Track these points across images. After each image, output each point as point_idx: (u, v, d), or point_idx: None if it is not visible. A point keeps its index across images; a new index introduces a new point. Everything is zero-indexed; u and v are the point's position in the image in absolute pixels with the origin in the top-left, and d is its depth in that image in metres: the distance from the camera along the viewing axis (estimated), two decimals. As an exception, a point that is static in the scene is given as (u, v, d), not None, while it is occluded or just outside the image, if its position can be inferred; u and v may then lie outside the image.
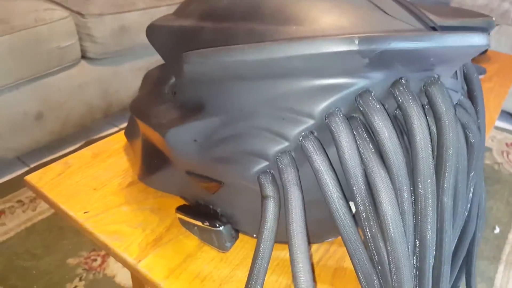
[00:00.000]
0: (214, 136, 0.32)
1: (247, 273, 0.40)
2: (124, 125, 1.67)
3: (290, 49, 0.26)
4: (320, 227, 0.39)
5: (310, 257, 0.42)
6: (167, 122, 0.36)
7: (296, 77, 0.28)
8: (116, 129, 1.64)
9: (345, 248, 0.42)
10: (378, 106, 0.27)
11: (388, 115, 0.28)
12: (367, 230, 0.28)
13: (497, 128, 1.79)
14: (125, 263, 0.41)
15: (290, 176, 0.29)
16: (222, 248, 0.40)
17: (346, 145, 0.27)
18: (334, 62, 0.26)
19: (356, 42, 0.24)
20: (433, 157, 0.29)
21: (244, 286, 0.38)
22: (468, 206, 0.37)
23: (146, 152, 0.44)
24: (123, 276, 1.03)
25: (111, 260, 1.07)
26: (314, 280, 0.39)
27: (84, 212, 0.45)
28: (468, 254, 0.44)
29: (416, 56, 0.27)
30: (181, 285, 0.38)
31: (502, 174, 1.48)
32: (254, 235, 0.42)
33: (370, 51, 0.25)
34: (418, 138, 0.27)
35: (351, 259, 0.29)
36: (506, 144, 1.67)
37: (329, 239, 0.43)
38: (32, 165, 1.39)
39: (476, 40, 0.26)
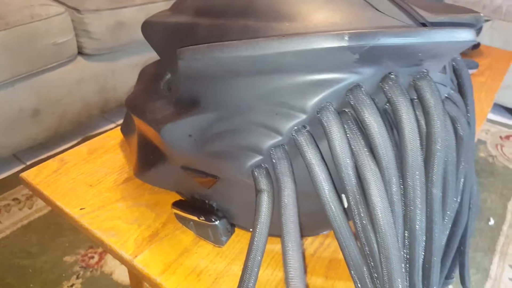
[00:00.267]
0: (209, 131, 0.33)
1: (242, 267, 0.40)
2: (122, 121, 1.67)
3: (282, 45, 0.26)
4: (315, 220, 0.40)
5: (303, 250, 0.42)
6: (163, 117, 0.36)
7: (289, 73, 0.28)
8: (113, 125, 1.64)
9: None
10: (368, 100, 0.28)
11: (378, 109, 0.28)
12: (358, 222, 0.29)
13: (491, 121, 1.80)
14: (121, 259, 0.41)
15: (283, 169, 0.30)
16: (218, 242, 0.41)
17: (337, 139, 0.28)
18: (325, 57, 0.27)
19: (346, 38, 0.25)
20: (422, 150, 0.30)
21: (238, 280, 0.39)
22: (459, 197, 0.38)
23: (141, 148, 0.44)
24: (120, 273, 1.04)
25: (108, 257, 1.08)
26: (305, 271, 0.40)
27: (80, 209, 0.46)
28: (461, 245, 0.44)
29: (405, 52, 0.27)
30: (177, 280, 0.38)
31: (496, 166, 1.49)
32: (250, 229, 0.42)
33: (360, 47, 0.25)
34: (406, 131, 0.28)
35: (341, 250, 0.30)
36: (500, 137, 1.69)
37: (324, 232, 0.44)
38: (28, 163, 1.39)
39: (463, 35, 0.27)
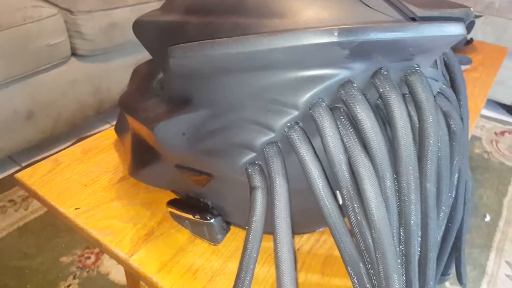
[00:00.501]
0: (202, 129, 0.33)
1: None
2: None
3: (272, 41, 0.26)
4: (310, 217, 0.40)
5: (300, 247, 0.43)
6: (156, 116, 0.36)
7: (280, 69, 0.29)
8: (108, 126, 1.63)
9: (334, 237, 0.43)
10: (359, 96, 0.28)
11: (370, 104, 0.28)
12: (353, 218, 0.29)
13: (486, 117, 1.81)
14: (117, 258, 0.41)
15: (276, 167, 0.30)
16: (214, 240, 0.41)
17: (329, 135, 0.28)
18: (315, 53, 0.27)
19: (336, 33, 0.25)
20: (415, 145, 0.30)
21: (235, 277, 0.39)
22: (454, 192, 0.38)
23: (135, 147, 0.44)
24: (117, 273, 1.04)
25: (105, 257, 1.08)
26: (296, 268, 0.40)
27: (75, 209, 0.46)
28: (456, 241, 0.45)
29: (395, 46, 0.27)
30: (173, 278, 0.38)
31: (492, 162, 1.50)
32: (246, 227, 0.42)
33: (350, 42, 0.25)
34: (399, 126, 0.28)
35: (337, 246, 0.30)
36: (495, 133, 1.69)
37: (320, 229, 0.44)
38: (23, 164, 1.39)
39: (453, 29, 0.27)
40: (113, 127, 0.57)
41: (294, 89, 0.28)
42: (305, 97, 0.28)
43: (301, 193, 0.33)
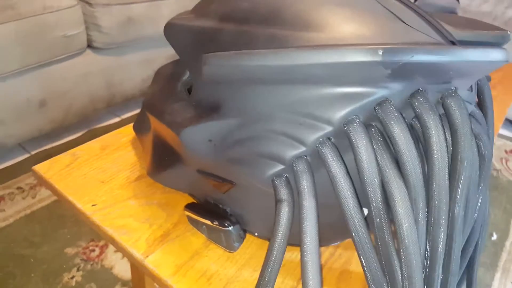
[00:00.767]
0: (229, 137, 0.33)
1: (253, 273, 0.40)
2: (127, 116, 1.67)
3: (313, 56, 0.26)
4: (329, 231, 0.40)
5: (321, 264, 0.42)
6: (182, 120, 0.36)
7: (317, 84, 0.28)
8: (118, 119, 1.64)
9: (350, 252, 0.43)
10: (397, 115, 0.28)
11: (407, 124, 0.28)
12: (380, 238, 0.28)
13: (496, 135, 1.80)
14: (132, 258, 0.41)
15: (306, 183, 0.30)
16: (230, 248, 0.40)
17: (364, 153, 0.28)
18: (356, 71, 0.26)
19: (380, 53, 0.25)
20: (448, 167, 0.29)
21: (249, 285, 0.39)
22: (476, 215, 0.38)
23: (156, 148, 0.44)
24: (120, 268, 1.04)
25: (109, 251, 1.08)
26: (322, 285, 0.40)
27: (92, 205, 0.46)
28: (470, 262, 0.44)
29: (436, 69, 0.27)
30: (188, 282, 0.38)
31: (501, 180, 1.49)
32: (256, 234, 0.42)
33: (393, 63, 0.25)
34: (435, 149, 0.27)
35: (362, 265, 0.29)
36: (505, 151, 1.68)
37: (335, 243, 0.44)
38: (33, 152, 1.39)
39: (496, 55, 0.26)
40: (130, 124, 0.57)
41: (330, 105, 0.28)
42: (341, 114, 0.28)
43: (324, 208, 0.32)
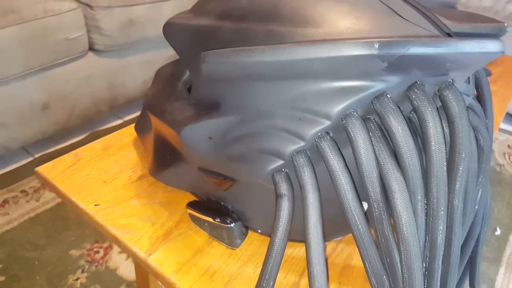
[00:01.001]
0: (229, 134, 0.33)
1: (255, 269, 0.40)
2: (129, 117, 1.68)
3: (312, 51, 0.26)
4: (330, 226, 0.40)
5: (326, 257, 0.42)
6: (183, 119, 0.36)
7: (315, 79, 0.28)
8: (120, 121, 1.64)
9: (352, 246, 0.43)
10: (394, 108, 0.28)
11: (404, 117, 0.28)
12: (380, 231, 0.29)
13: (499, 129, 1.79)
14: (135, 257, 0.41)
15: (307, 176, 0.30)
16: (233, 244, 0.41)
17: (362, 146, 0.28)
18: (353, 65, 0.27)
19: (377, 46, 0.25)
20: (445, 159, 0.29)
21: (252, 282, 0.39)
22: (476, 208, 0.38)
23: (158, 147, 0.44)
24: (125, 269, 1.04)
25: (113, 252, 1.08)
26: (328, 279, 0.40)
27: (95, 205, 0.46)
28: (472, 256, 0.44)
29: (433, 61, 0.27)
30: (191, 280, 0.39)
31: (504, 175, 1.49)
32: (260, 231, 0.42)
33: (390, 56, 0.25)
34: (433, 141, 0.28)
35: (362, 258, 0.30)
36: (508, 146, 1.68)
37: (337, 238, 0.44)
38: (36, 155, 1.40)
39: (492, 47, 0.27)
40: (132, 124, 0.57)
41: (328, 99, 0.28)
42: (339, 108, 0.28)
43: (325, 202, 0.33)
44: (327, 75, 0.28)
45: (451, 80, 0.30)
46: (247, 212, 0.40)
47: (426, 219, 0.29)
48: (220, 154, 0.34)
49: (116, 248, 1.09)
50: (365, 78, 0.28)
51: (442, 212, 0.28)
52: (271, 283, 0.31)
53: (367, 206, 0.30)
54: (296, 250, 0.42)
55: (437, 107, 0.29)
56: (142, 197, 0.48)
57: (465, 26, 0.37)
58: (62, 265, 1.04)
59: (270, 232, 0.42)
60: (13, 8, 1.12)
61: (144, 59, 1.53)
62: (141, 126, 0.51)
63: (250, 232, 0.43)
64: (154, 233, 0.43)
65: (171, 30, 0.39)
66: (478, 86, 0.41)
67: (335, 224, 0.40)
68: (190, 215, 0.43)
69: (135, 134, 0.58)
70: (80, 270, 1.03)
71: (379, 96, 0.28)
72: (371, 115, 0.29)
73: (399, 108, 0.28)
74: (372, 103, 0.28)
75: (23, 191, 1.26)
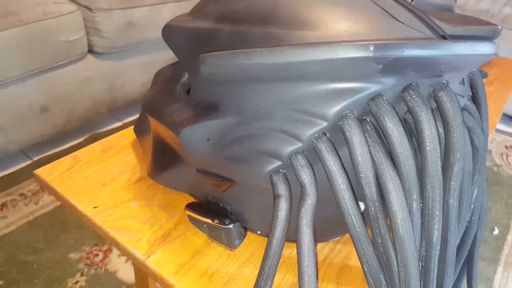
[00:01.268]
0: (228, 136, 0.33)
1: (254, 270, 0.40)
2: (129, 120, 1.68)
3: (308, 53, 0.27)
4: (328, 226, 0.40)
5: (316, 256, 0.43)
6: (181, 120, 0.36)
7: (312, 81, 0.29)
8: (120, 123, 1.65)
9: (350, 246, 0.43)
10: (389, 109, 0.28)
11: (399, 118, 0.28)
12: (376, 230, 0.29)
13: (496, 130, 1.80)
14: (134, 259, 0.42)
15: (308, 177, 0.30)
16: (231, 245, 0.41)
17: (358, 147, 0.28)
18: (349, 67, 0.27)
19: (372, 48, 0.25)
20: (441, 160, 0.30)
21: (250, 283, 0.39)
22: (472, 207, 0.38)
23: (156, 149, 0.45)
24: (124, 272, 1.04)
25: (112, 255, 1.08)
26: (318, 279, 0.40)
27: (94, 207, 0.46)
28: (469, 255, 0.45)
29: (427, 63, 0.27)
30: (189, 281, 0.39)
31: (501, 176, 1.49)
32: (258, 232, 0.43)
33: (384, 58, 0.26)
34: (427, 141, 0.28)
35: (359, 258, 0.30)
36: (506, 147, 1.68)
37: (335, 239, 0.44)
38: (35, 158, 1.40)
39: (485, 49, 0.27)
40: (130, 126, 0.57)
41: (325, 101, 0.29)
42: (335, 109, 0.29)
43: (322, 203, 0.33)
44: (324, 77, 0.28)
45: (445, 82, 0.30)
46: (245, 213, 0.40)
47: (421, 219, 0.29)
48: (218, 155, 0.35)
49: (115, 251, 1.09)
50: (360, 80, 0.28)
51: (438, 212, 0.29)
52: (269, 283, 0.31)
53: (363, 206, 0.30)
54: (294, 251, 0.42)
55: (432, 108, 0.29)
56: (140, 199, 0.48)
57: (460, 28, 0.38)
58: (61, 269, 1.04)
59: (268, 233, 0.42)
60: (12, 11, 1.13)
61: (144, 61, 1.54)
62: (140, 128, 0.51)
63: (248, 233, 0.44)
64: (153, 235, 0.43)
65: (170, 32, 0.39)
66: (473, 87, 0.42)
67: (333, 225, 0.40)
68: (189, 216, 0.43)
69: (134, 136, 0.59)
70: (79, 274, 1.03)
71: (374, 97, 0.28)
72: (367, 116, 0.30)
73: (395, 109, 0.29)
74: (368, 104, 0.29)
75: (21, 194, 1.26)
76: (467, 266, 0.46)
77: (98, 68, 1.40)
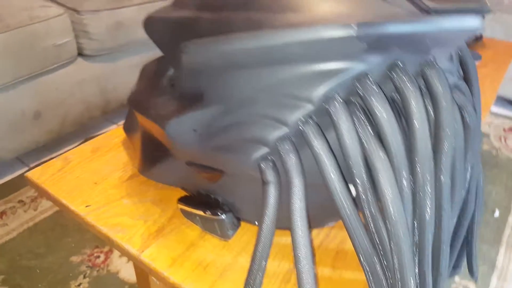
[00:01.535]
0: (214, 125, 0.33)
1: (249, 259, 0.40)
2: (123, 122, 1.67)
3: (289, 35, 0.26)
4: (321, 212, 0.40)
5: (311, 241, 0.42)
6: (167, 113, 0.36)
7: (295, 63, 0.28)
8: (114, 126, 1.64)
9: (344, 231, 0.43)
10: (376, 89, 0.28)
11: (386, 97, 0.28)
12: (367, 212, 0.29)
13: (494, 114, 1.80)
14: (128, 254, 0.41)
15: (292, 162, 0.30)
16: (225, 236, 0.41)
17: (345, 129, 0.28)
18: (332, 47, 0.26)
19: (355, 27, 0.25)
20: (430, 137, 0.29)
21: (246, 272, 0.39)
22: (466, 185, 0.38)
23: (145, 145, 0.44)
24: (126, 272, 1.04)
25: (114, 256, 1.08)
26: (314, 263, 0.40)
27: (86, 206, 0.46)
28: (468, 234, 0.44)
29: (412, 40, 0.27)
30: (184, 273, 0.38)
31: (500, 159, 1.49)
32: (256, 223, 0.42)
33: (368, 36, 0.25)
34: (415, 119, 0.27)
35: (351, 240, 0.30)
36: (504, 130, 1.68)
37: (330, 224, 0.44)
38: (31, 165, 1.40)
39: (470, 22, 0.26)
40: (121, 126, 0.57)
41: (309, 83, 0.28)
42: (320, 91, 0.28)
43: (314, 188, 0.32)
44: (307, 59, 0.28)
45: (433, 58, 0.30)
46: (237, 203, 0.40)
47: (413, 197, 0.29)
48: (206, 146, 0.34)
49: (116, 252, 1.09)
50: (345, 60, 0.27)
51: (429, 189, 0.28)
52: (261, 270, 0.30)
53: (355, 193, 0.30)
54: (289, 239, 0.42)
55: (419, 86, 0.29)
56: (133, 196, 0.47)
57: (446, 5, 0.37)
58: (63, 272, 1.03)
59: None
60: (-2, 17, 1.12)
61: (135, 62, 1.53)
62: (129, 125, 0.50)
63: (243, 223, 0.43)
64: (147, 230, 0.43)
65: (151, 25, 0.39)
66: (463, 65, 0.41)
67: (327, 210, 0.40)
68: (182, 210, 0.43)
69: (124, 134, 0.58)
70: (81, 276, 1.03)
71: (360, 77, 0.28)
72: (354, 97, 0.29)
73: (381, 89, 0.28)
74: (354, 85, 0.28)
75: (20, 201, 1.26)
76: (467, 246, 0.46)
77: (89, 71, 1.39)
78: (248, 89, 0.31)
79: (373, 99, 0.28)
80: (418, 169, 0.28)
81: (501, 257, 1.08)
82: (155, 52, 0.41)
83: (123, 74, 1.51)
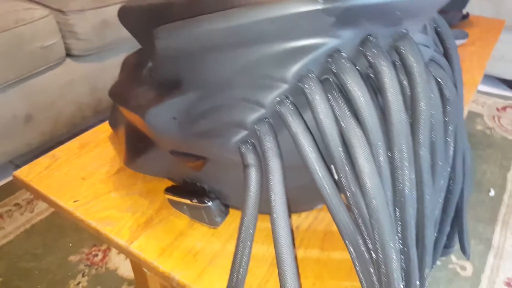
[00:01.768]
0: (192, 112, 0.33)
1: (238, 246, 0.40)
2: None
3: (257, 13, 0.26)
4: (307, 194, 0.40)
5: (298, 225, 0.42)
6: (146, 103, 0.36)
7: (266, 42, 0.28)
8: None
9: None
10: (349, 65, 0.27)
11: (360, 74, 0.28)
12: (347, 190, 0.28)
13: (487, 93, 1.80)
14: (117, 246, 0.41)
15: (269, 145, 0.30)
16: (213, 223, 0.41)
17: (320, 107, 0.28)
18: (301, 23, 0.26)
19: (320, 0, 0.25)
20: (407, 112, 0.29)
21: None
22: (450, 161, 0.38)
23: (129, 136, 0.44)
24: (125, 268, 1.04)
25: (112, 254, 1.08)
26: (294, 244, 0.40)
27: (74, 201, 0.46)
28: (457, 212, 0.44)
29: (382, 11, 0.27)
30: (174, 262, 0.39)
31: (494, 138, 1.49)
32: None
33: (335, 8, 0.25)
34: (389, 92, 0.27)
35: (334, 219, 0.30)
36: (497, 109, 1.68)
37: (318, 206, 0.44)
38: (26, 168, 1.39)
39: None
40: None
41: (282, 62, 0.28)
42: (293, 69, 0.28)
43: (297, 170, 0.32)
44: (278, 37, 0.28)
45: (405, 31, 0.29)
46: (223, 190, 0.40)
47: (392, 172, 0.29)
48: (186, 133, 0.34)
49: (114, 250, 1.09)
50: (316, 35, 0.27)
51: (406, 162, 0.28)
52: (247, 252, 0.30)
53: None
54: (277, 223, 0.42)
55: (393, 61, 0.28)
56: (121, 189, 0.47)
57: None
58: (62, 272, 1.04)
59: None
60: (-18, 21, 1.11)
61: (123, 59, 1.52)
62: (114, 120, 0.50)
63: (232, 210, 0.43)
64: (135, 222, 0.43)
65: (125, 14, 0.39)
66: (442, 40, 0.41)
67: (313, 192, 0.40)
68: (169, 200, 0.43)
69: (110, 130, 0.58)
70: (80, 275, 1.03)
71: (333, 54, 0.28)
72: (328, 75, 0.29)
73: (354, 65, 0.28)
74: (327, 62, 0.28)
75: (16, 204, 1.26)
76: (457, 224, 0.46)
77: (78, 71, 1.39)
78: (223, 72, 0.31)
79: (346, 75, 0.27)
80: (395, 144, 0.28)
81: (497, 236, 1.09)
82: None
83: (112, 73, 1.50)
